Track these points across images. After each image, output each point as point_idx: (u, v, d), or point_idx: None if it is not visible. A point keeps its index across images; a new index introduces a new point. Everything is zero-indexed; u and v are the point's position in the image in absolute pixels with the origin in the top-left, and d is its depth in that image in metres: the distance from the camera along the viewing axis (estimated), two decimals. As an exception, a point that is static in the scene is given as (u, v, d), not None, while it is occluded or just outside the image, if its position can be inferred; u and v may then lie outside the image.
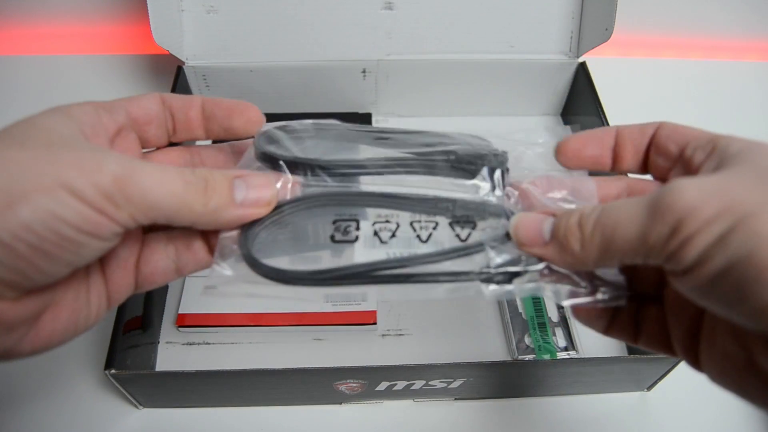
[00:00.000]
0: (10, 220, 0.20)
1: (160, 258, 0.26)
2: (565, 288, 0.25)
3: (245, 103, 0.28)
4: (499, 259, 0.26)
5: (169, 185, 0.23)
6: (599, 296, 0.25)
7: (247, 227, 0.26)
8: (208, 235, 0.27)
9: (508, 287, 0.26)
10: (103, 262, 0.25)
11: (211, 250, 0.27)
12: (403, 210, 0.28)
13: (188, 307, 0.44)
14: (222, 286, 0.26)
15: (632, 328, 0.26)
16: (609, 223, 0.21)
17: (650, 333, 0.26)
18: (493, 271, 0.26)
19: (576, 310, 0.27)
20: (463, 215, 0.27)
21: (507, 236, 0.26)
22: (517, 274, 0.26)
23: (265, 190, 0.25)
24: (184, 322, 0.44)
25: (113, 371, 0.35)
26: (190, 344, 0.44)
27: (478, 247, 0.26)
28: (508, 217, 0.27)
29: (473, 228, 0.27)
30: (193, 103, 0.28)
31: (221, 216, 0.24)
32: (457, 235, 0.27)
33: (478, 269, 0.26)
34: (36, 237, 0.20)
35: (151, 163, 0.23)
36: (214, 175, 0.24)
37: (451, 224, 0.27)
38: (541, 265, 0.25)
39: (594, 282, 0.25)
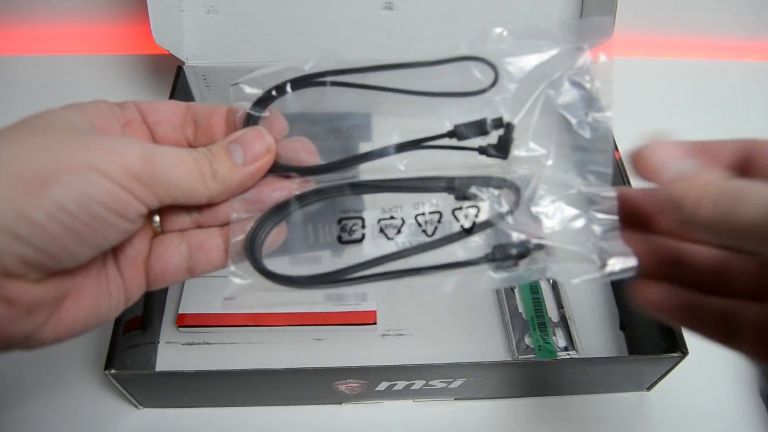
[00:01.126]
0: (46, 201, 0.20)
1: (173, 256, 0.26)
2: (574, 265, 0.24)
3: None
4: (504, 240, 0.25)
5: (184, 164, 0.24)
6: (609, 269, 0.24)
7: (251, 234, 0.26)
8: (227, 235, 0.27)
9: (516, 271, 0.25)
10: (116, 257, 0.26)
11: (227, 250, 0.27)
12: (405, 192, 0.28)
13: (188, 307, 0.44)
14: (239, 296, 0.26)
15: (721, 327, 0.23)
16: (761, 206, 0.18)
17: (750, 337, 0.22)
18: (499, 254, 0.25)
19: (640, 298, 0.25)
20: (466, 191, 0.27)
21: (510, 212, 0.26)
22: (523, 256, 0.25)
23: (258, 142, 0.26)
24: (184, 322, 0.44)
25: (113, 371, 0.35)
26: (190, 344, 0.44)
27: (483, 227, 0.26)
28: (515, 189, 0.26)
29: (477, 214, 0.27)
30: (218, 109, 0.28)
31: (231, 182, 0.25)
32: (461, 226, 0.27)
33: (484, 255, 0.26)
34: (69, 217, 0.21)
35: (167, 146, 0.24)
36: (213, 148, 0.25)
37: (454, 212, 0.27)
38: (547, 242, 0.25)
39: (602, 255, 0.24)
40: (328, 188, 0.28)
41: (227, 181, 0.25)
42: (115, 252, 0.25)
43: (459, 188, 0.27)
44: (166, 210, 0.26)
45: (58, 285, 0.23)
